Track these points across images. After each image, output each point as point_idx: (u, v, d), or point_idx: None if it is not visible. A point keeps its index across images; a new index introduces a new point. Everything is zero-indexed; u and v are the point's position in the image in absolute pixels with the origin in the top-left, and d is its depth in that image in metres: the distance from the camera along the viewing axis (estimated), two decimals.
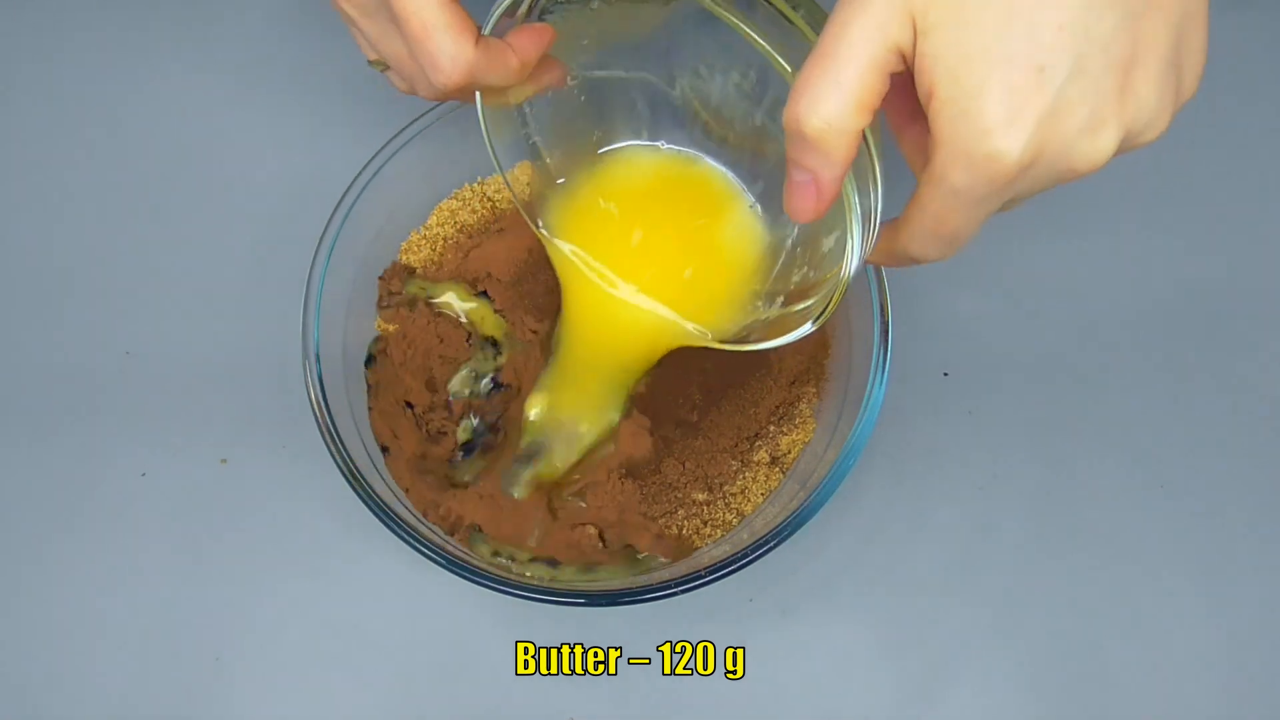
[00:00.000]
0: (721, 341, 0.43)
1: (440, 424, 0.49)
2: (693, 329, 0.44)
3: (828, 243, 0.39)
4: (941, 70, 0.29)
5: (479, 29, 0.37)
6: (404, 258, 0.52)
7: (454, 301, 0.50)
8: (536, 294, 0.51)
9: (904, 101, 0.34)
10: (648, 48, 0.42)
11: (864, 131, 0.31)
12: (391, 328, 0.50)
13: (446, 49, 0.35)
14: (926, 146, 0.31)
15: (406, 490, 0.47)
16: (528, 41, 0.38)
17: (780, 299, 0.42)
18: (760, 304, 0.43)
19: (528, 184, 0.47)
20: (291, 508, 0.50)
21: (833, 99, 0.30)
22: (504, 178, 0.45)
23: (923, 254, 0.34)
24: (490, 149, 0.43)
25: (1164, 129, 0.31)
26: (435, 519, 0.47)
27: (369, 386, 0.49)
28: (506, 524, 0.46)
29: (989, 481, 0.51)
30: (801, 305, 0.40)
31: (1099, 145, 0.30)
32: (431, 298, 0.50)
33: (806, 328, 0.39)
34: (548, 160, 0.45)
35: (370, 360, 0.50)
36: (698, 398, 0.49)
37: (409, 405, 0.49)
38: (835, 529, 0.50)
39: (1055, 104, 0.28)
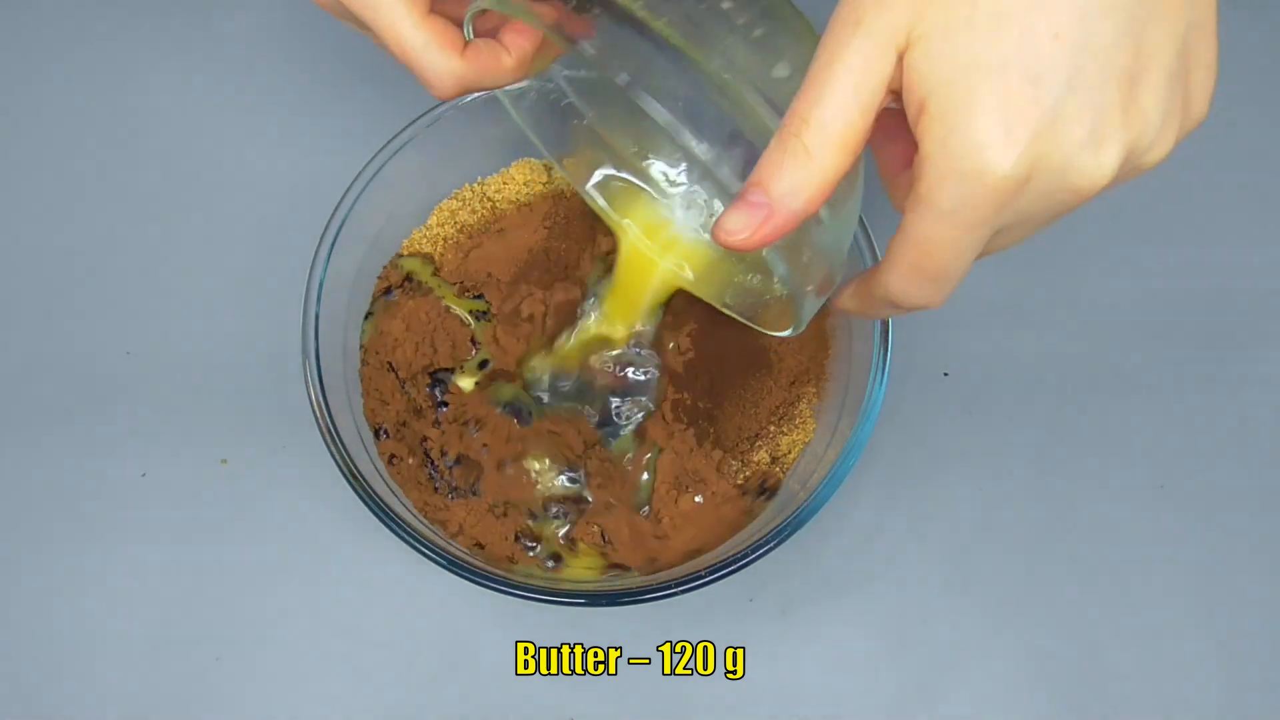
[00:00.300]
0: (718, 301, 0.44)
1: (421, 401, 0.49)
2: (684, 276, 0.45)
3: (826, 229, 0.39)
4: (931, 83, 0.27)
5: (466, 35, 0.36)
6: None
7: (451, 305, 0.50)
8: (536, 294, 0.51)
9: (896, 147, 0.33)
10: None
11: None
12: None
13: (431, 67, 0.35)
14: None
15: (405, 489, 0.47)
16: (522, 37, 0.37)
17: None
18: (776, 282, 0.43)
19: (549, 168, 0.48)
20: (291, 508, 0.50)
21: (817, 137, 0.29)
22: (549, 156, 0.45)
23: (905, 293, 0.31)
24: (518, 119, 0.43)
25: (1168, 151, 0.29)
26: (434, 521, 0.47)
27: (364, 336, 0.50)
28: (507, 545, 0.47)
29: (989, 481, 0.51)
30: (810, 287, 0.40)
31: (1101, 161, 0.28)
32: (428, 287, 0.50)
33: (787, 333, 0.39)
34: (589, 120, 0.45)
35: (376, 305, 0.50)
36: (701, 403, 0.49)
37: (391, 367, 0.49)
38: (835, 529, 0.50)
39: (1053, 116, 0.27)
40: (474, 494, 0.48)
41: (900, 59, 0.28)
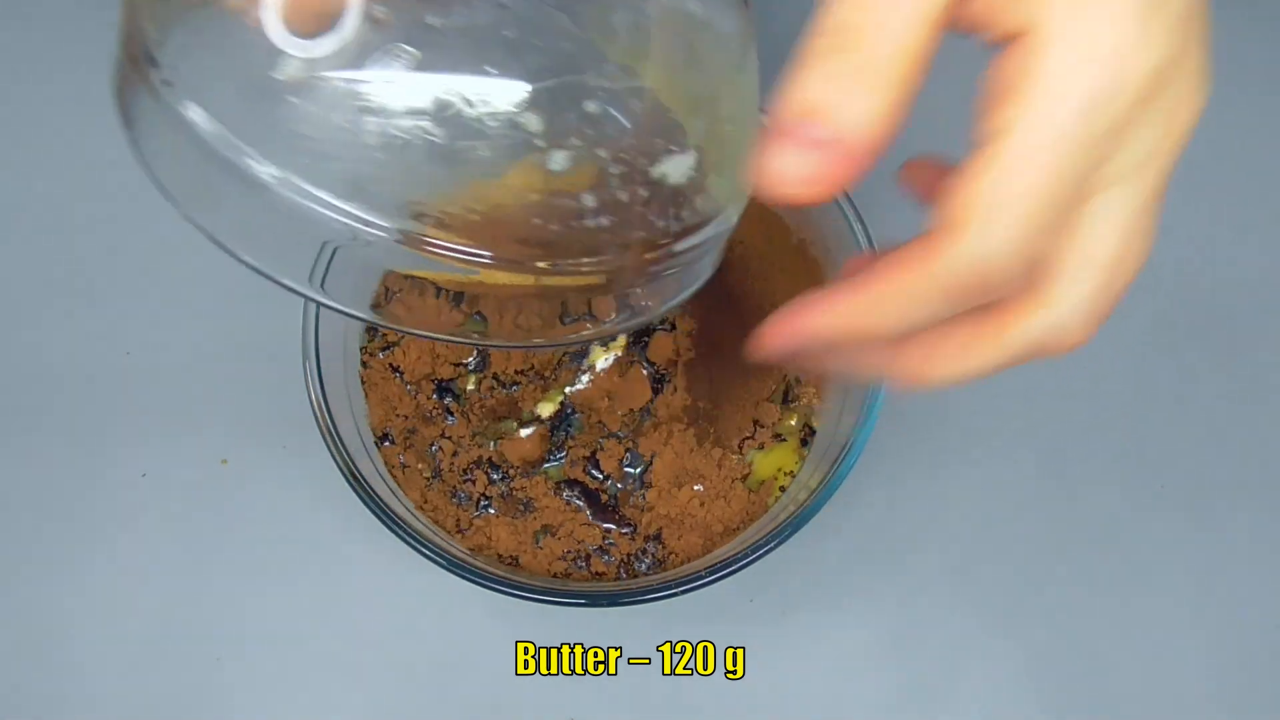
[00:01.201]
0: None
1: (429, 408, 0.49)
2: None
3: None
4: None
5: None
6: None
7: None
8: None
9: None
10: None
11: None
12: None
13: None
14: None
15: (420, 506, 0.47)
16: None
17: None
18: None
19: None
20: (291, 508, 0.50)
21: (881, 49, 0.21)
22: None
23: (995, 256, 0.23)
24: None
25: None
26: (452, 530, 0.47)
27: (367, 330, 0.50)
28: (542, 556, 0.47)
29: (989, 482, 0.51)
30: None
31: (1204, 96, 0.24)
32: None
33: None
34: None
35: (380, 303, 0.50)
36: (701, 403, 0.49)
37: (395, 370, 0.49)
38: (835, 529, 0.50)
39: (1143, 90, 0.23)
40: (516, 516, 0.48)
41: None
